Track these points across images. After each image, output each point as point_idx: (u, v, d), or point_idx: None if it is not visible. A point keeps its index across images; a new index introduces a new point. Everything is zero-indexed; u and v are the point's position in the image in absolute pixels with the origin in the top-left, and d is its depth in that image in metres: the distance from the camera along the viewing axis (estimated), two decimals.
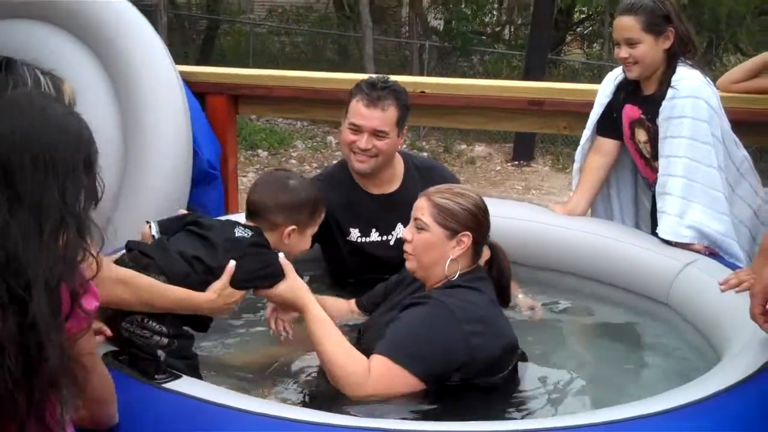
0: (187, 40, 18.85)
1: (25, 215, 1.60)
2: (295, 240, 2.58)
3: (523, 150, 12.76)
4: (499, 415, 2.38)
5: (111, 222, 3.94)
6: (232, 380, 2.53)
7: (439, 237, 2.53)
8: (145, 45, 4.18)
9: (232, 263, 2.38)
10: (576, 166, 3.70)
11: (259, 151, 12.13)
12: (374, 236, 3.23)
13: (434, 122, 5.62)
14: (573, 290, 3.37)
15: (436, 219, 2.54)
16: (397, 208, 3.08)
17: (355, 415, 2.17)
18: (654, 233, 3.36)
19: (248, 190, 2.64)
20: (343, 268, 3.29)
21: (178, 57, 11.13)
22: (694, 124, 3.23)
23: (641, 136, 3.46)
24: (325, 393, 2.42)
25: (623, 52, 3.35)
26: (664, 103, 3.29)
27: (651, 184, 3.50)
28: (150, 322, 2.31)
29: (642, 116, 3.43)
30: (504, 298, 2.65)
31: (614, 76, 3.58)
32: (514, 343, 2.54)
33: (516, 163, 12.66)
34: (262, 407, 2.07)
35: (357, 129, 3.11)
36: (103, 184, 1.76)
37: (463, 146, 13.25)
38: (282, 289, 2.47)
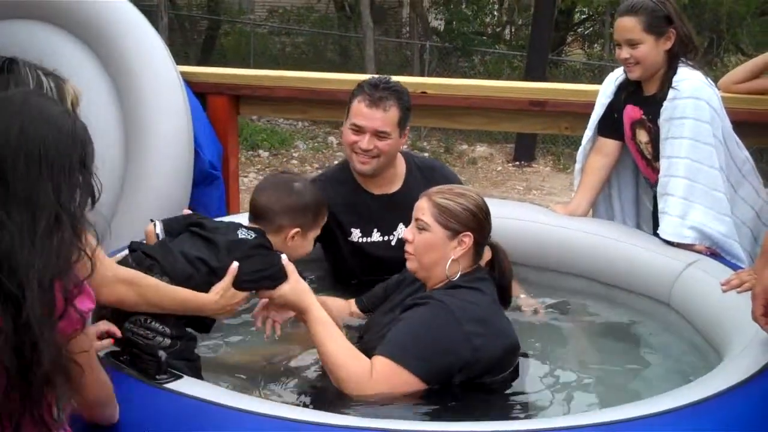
0: (188, 41, 18.87)
1: (19, 214, 1.60)
2: (298, 242, 2.59)
3: (525, 150, 12.76)
4: (501, 415, 2.38)
5: (112, 222, 3.94)
6: (232, 380, 2.53)
7: (441, 237, 2.53)
8: (146, 45, 4.18)
9: (235, 264, 2.38)
10: (577, 166, 3.70)
11: (260, 151, 12.13)
12: (376, 236, 3.23)
13: (435, 123, 5.62)
14: (574, 291, 3.37)
15: (438, 219, 2.53)
16: (399, 208, 3.08)
17: (355, 415, 2.17)
18: (655, 234, 3.36)
19: (252, 192, 2.64)
20: (344, 269, 3.29)
21: (179, 57, 11.13)
22: (695, 125, 3.22)
23: (642, 136, 3.46)
24: (326, 393, 2.42)
25: (624, 52, 3.35)
26: (665, 103, 3.28)
27: (652, 185, 3.50)
28: (153, 323, 2.32)
29: (643, 117, 3.43)
30: (505, 298, 2.65)
31: (615, 77, 3.57)
32: (516, 344, 2.54)
33: (517, 163, 12.65)
34: (262, 407, 2.07)
35: (359, 129, 3.11)
36: (101, 184, 1.76)
37: (465, 146, 13.25)
38: (285, 290, 2.47)
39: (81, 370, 1.73)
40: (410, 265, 2.61)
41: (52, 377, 1.63)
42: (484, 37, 18.50)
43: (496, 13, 20.22)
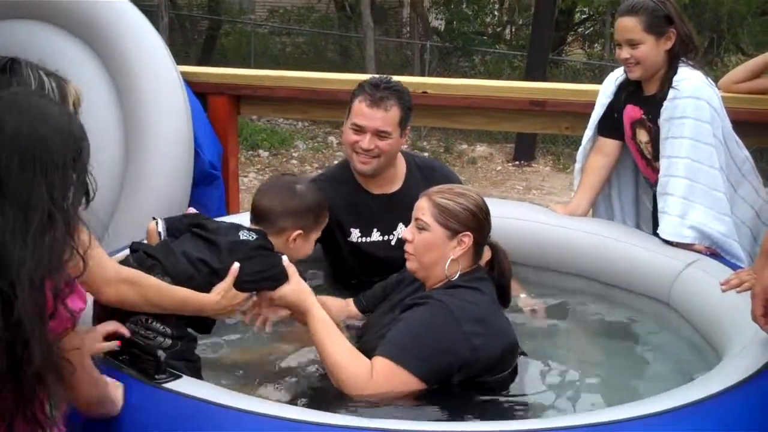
0: (188, 41, 18.87)
1: (11, 212, 1.61)
2: (299, 244, 2.60)
3: (524, 150, 12.75)
4: (500, 415, 2.38)
5: (112, 222, 3.95)
6: (232, 380, 2.53)
7: (440, 237, 2.53)
8: (146, 45, 4.18)
9: (236, 265, 2.39)
10: (577, 166, 3.70)
11: (260, 151, 12.13)
12: (375, 236, 3.23)
13: (436, 122, 5.63)
14: (574, 290, 3.37)
15: (437, 219, 2.54)
16: (399, 208, 3.08)
17: (355, 415, 2.17)
18: (655, 233, 3.36)
19: (253, 194, 2.65)
20: (344, 269, 3.29)
21: (180, 57, 11.12)
22: (695, 125, 3.22)
23: (642, 136, 3.46)
24: (326, 393, 2.42)
25: (624, 52, 3.35)
26: (665, 103, 3.28)
27: (652, 185, 3.50)
28: (154, 323, 2.32)
29: (643, 116, 3.43)
30: (504, 298, 2.65)
31: (615, 77, 3.58)
32: (515, 343, 2.54)
33: (517, 163, 12.64)
34: (262, 407, 2.07)
35: (360, 129, 3.10)
36: (96, 183, 1.76)
37: (464, 146, 13.24)
38: (285, 291, 2.48)
39: (72, 368, 1.73)
40: (410, 265, 2.61)
41: (43, 375, 1.64)
42: (485, 37, 18.50)
43: (496, 12, 20.22)
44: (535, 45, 13.40)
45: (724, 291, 2.63)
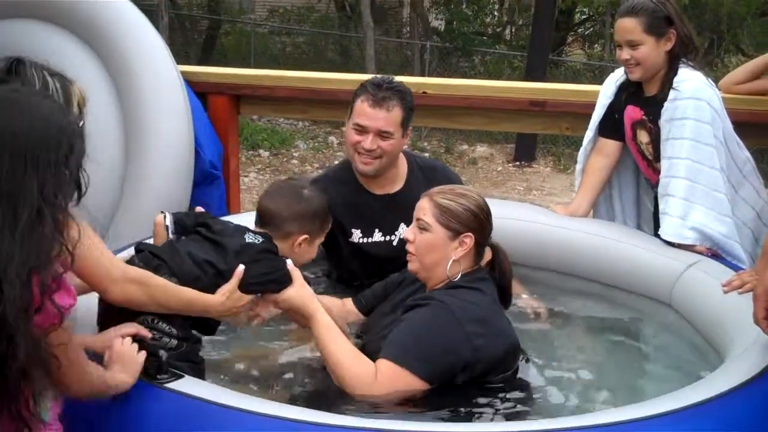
0: (188, 40, 18.86)
1: (0, 208, 1.61)
2: (304, 249, 2.61)
3: (525, 151, 12.75)
4: (502, 415, 2.38)
5: (112, 222, 3.94)
6: (232, 380, 2.53)
7: (442, 238, 2.53)
8: (147, 45, 4.17)
9: (241, 267, 2.40)
10: (578, 167, 3.70)
11: (261, 151, 12.13)
12: (377, 237, 3.22)
13: (436, 123, 5.62)
14: (575, 291, 3.37)
15: (439, 219, 2.53)
16: (400, 208, 3.07)
17: (355, 415, 2.17)
18: (656, 234, 3.36)
19: (259, 197, 2.65)
20: (346, 270, 3.28)
21: (180, 57, 11.13)
22: (696, 126, 3.22)
23: (643, 137, 3.46)
24: (326, 393, 2.43)
25: (625, 53, 3.35)
26: (666, 104, 3.28)
27: (653, 185, 3.50)
28: (160, 323, 2.32)
29: (644, 117, 3.43)
30: (505, 298, 2.65)
31: (616, 77, 3.57)
32: (516, 344, 2.54)
33: (517, 163, 12.64)
34: (262, 407, 2.07)
35: (362, 129, 3.10)
36: (88, 179, 1.76)
37: (465, 147, 13.24)
38: (289, 294, 2.48)
39: (59, 363, 1.73)
40: (411, 266, 2.61)
41: (28, 371, 1.64)
42: (485, 38, 18.50)
43: (496, 13, 20.22)
44: (535, 45, 13.40)
45: (725, 292, 2.63)
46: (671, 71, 3.33)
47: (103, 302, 2.32)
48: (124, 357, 2.12)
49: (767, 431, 2.14)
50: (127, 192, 4.00)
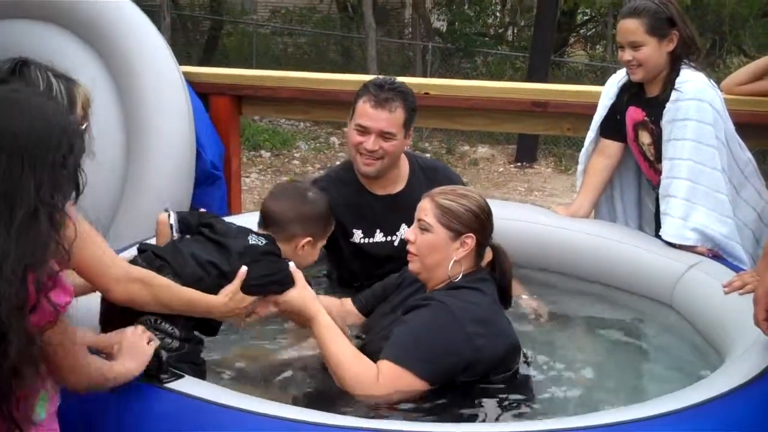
0: (190, 41, 18.87)
1: None
2: (307, 251, 2.61)
3: (526, 151, 12.74)
4: (502, 416, 2.38)
5: (113, 222, 3.94)
6: (232, 380, 2.53)
7: (443, 238, 2.53)
8: (148, 45, 4.18)
9: (244, 268, 2.40)
10: (580, 168, 3.70)
11: (262, 151, 12.13)
12: (378, 237, 3.22)
13: (438, 123, 5.62)
14: (576, 292, 3.37)
15: (440, 220, 2.53)
16: (402, 209, 3.07)
17: (355, 415, 2.17)
18: (657, 235, 3.35)
19: (263, 200, 2.66)
20: (348, 270, 3.28)
21: (182, 57, 11.05)
22: (698, 127, 3.22)
23: (645, 138, 3.46)
24: (326, 393, 2.43)
25: (627, 54, 3.35)
26: (668, 105, 3.28)
27: (655, 186, 3.49)
28: (163, 324, 2.32)
29: (646, 118, 3.42)
30: (505, 299, 2.66)
31: (618, 78, 3.57)
32: (516, 344, 2.54)
33: (519, 164, 12.63)
34: (262, 407, 2.07)
35: (364, 130, 3.10)
36: (86, 177, 1.76)
37: (466, 147, 13.23)
38: (291, 296, 2.49)
39: (55, 354, 1.74)
40: (413, 266, 2.61)
41: (20, 369, 1.63)
42: (487, 38, 18.51)
43: (498, 14, 20.24)
44: (537, 46, 13.39)
45: (726, 293, 2.62)
46: (673, 72, 3.32)
47: (105, 302, 2.32)
48: (135, 346, 2.13)
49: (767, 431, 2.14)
50: (128, 192, 4.00)
